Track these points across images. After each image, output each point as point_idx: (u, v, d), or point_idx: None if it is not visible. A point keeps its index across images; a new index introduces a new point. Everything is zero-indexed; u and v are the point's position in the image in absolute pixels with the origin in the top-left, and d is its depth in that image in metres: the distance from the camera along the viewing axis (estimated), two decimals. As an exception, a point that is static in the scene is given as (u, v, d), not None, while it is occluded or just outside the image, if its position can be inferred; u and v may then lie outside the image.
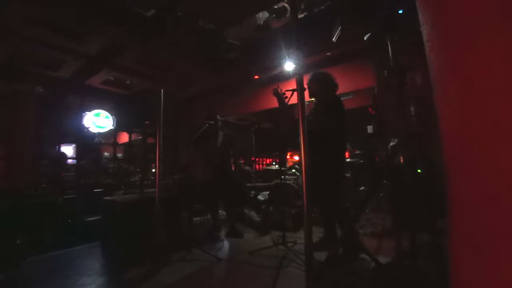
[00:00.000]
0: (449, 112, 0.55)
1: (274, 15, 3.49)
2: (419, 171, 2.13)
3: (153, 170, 5.87)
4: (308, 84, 2.52)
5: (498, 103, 0.48)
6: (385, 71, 1.55)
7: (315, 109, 2.42)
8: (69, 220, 3.36)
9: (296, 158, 7.64)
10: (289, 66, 4.20)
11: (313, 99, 2.64)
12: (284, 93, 2.28)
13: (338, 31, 1.71)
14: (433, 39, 0.58)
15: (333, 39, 1.81)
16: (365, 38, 1.63)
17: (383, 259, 1.96)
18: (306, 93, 1.83)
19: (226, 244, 2.91)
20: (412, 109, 3.20)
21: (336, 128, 2.30)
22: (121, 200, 2.70)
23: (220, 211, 3.46)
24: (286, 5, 3.16)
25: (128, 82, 5.62)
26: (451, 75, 0.55)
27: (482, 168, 0.49)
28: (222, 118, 3.37)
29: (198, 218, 3.86)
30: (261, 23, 3.67)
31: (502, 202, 0.46)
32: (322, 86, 2.48)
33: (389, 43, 1.51)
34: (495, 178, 0.47)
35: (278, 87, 2.19)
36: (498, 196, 0.46)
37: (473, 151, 0.50)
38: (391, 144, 2.97)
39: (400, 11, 1.43)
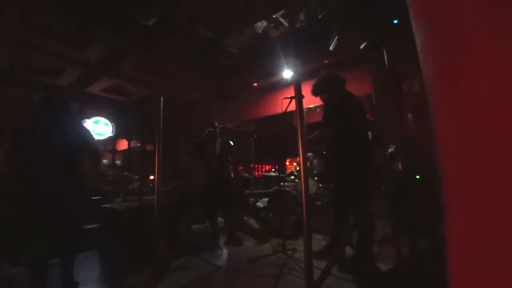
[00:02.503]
0: (444, 119, 0.57)
1: (272, 24, 3.55)
2: (418, 177, 2.14)
3: (152, 177, 5.86)
4: (320, 99, 2.48)
5: (492, 110, 0.49)
6: (382, 79, 1.58)
7: (321, 119, 2.33)
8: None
9: (295, 164, 7.63)
10: (287, 73, 4.25)
11: (311, 106, 2.65)
12: None
13: (335, 40, 1.75)
14: (427, 49, 0.60)
15: (330, 48, 1.84)
16: (361, 47, 1.67)
17: (383, 266, 1.94)
18: (305, 100, 1.85)
19: (225, 252, 2.89)
20: (409, 115, 3.23)
21: (346, 130, 2.14)
22: (119, 207, 2.69)
23: (219, 218, 3.44)
24: (281, 19, 3.21)
25: (128, 89, 5.66)
26: (446, 83, 0.56)
27: (478, 174, 0.50)
28: (220, 125, 3.38)
29: (197, 226, 3.83)
30: (260, 32, 3.74)
31: (498, 208, 0.47)
32: (326, 94, 2.41)
33: (385, 52, 1.55)
34: (491, 184, 0.48)
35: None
36: (494, 202, 0.47)
37: (468, 157, 0.51)
38: (390, 150, 2.98)
39: (395, 21, 1.46)
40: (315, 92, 2.47)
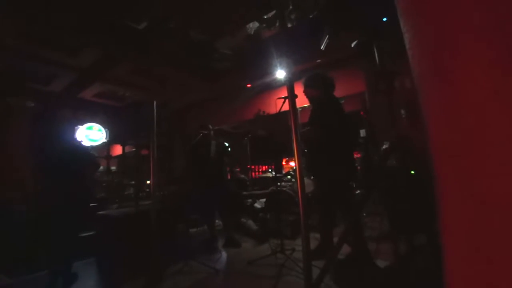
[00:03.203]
0: (434, 116, 0.57)
1: (264, 25, 3.55)
2: (412, 172, 2.15)
3: (148, 182, 5.82)
4: (304, 92, 2.50)
5: (481, 106, 0.49)
6: (374, 76, 1.59)
7: (311, 116, 2.40)
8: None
9: (292, 164, 7.65)
10: (280, 74, 4.26)
11: (306, 105, 2.65)
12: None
13: (326, 39, 1.77)
14: (415, 47, 0.60)
15: (322, 47, 1.85)
16: (352, 45, 1.68)
17: (381, 263, 1.95)
18: (298, 100, 1.85)
19: (223, 254, 2.87)
20: (402, 112, 3.25)
21: (335, 130, 2.22)
22: (115, 214, 2.66)
23: (216, 221, 3.42)
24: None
25: (121, 93, 5.61)
26: (434, 81, 0.57)
27: (471, 170, 0.50)
28: (215, 127, 3.36)
29: (194, 229, 3.81)
30: (252, 33, 3.73)
31: (491, 203, 0.47)
32: (317, 90, 2.44)
33: (375, 50, 1.56)
34: (484, 179, 0.48)
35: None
36: (487, 198, 0.47)
37: (460, 152, 0.51)
38: (384, 147, 3.00)
39: (385, 19, 1.48)
40: (306, 82, 2.50)
